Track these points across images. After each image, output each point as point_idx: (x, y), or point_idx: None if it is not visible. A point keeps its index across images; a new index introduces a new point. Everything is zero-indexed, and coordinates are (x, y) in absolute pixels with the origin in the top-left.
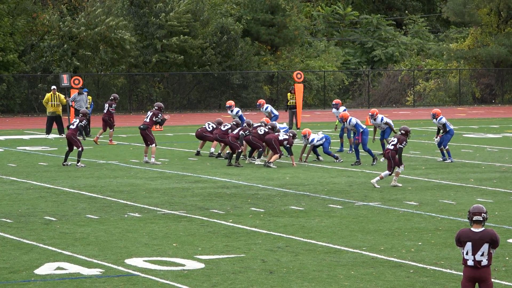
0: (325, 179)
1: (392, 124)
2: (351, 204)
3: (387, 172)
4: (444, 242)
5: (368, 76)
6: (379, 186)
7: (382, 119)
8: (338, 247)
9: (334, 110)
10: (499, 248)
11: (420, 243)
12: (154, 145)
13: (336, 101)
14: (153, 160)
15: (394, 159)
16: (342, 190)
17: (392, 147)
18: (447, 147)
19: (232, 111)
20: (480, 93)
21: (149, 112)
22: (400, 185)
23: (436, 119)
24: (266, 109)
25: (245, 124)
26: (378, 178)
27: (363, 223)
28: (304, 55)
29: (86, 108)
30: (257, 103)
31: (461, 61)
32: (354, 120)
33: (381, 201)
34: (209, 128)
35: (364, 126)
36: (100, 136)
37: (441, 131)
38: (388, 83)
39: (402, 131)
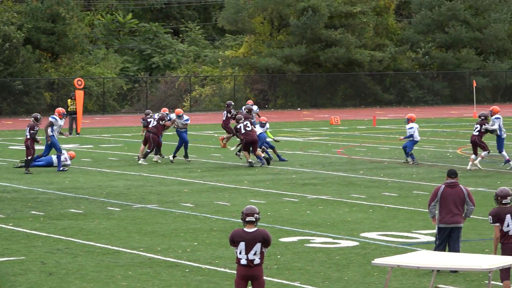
0: (104, 183)
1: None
2: (129, 207)
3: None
4: (219, 242)
5: (146, 83)
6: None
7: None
8: (117, 248)
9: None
10: (271, 247)
11: (195, 243)
12: None
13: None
14: None
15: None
16: (121, 193)
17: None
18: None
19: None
20: (254, 98)
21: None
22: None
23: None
24: (257, 109)
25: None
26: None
27: (140, 225)
28: (84, 62)
29: None
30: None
31: (236, 68)
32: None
33: (158, 203)
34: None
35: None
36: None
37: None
38: (165, 89)
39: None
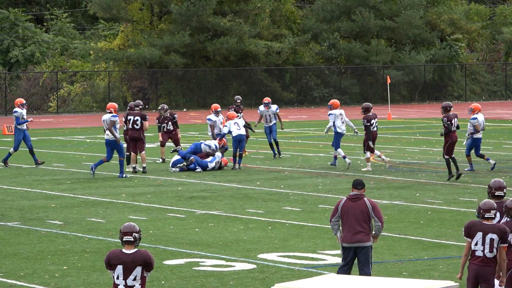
0: None
1: None
2: None
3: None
4: (93, 265)
5: (5, 80)
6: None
7: None
8: None
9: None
10: (154, 271)
11: (65, 267)
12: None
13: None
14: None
15: None
16: None
17: None
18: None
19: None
20: (132, 97)
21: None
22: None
23: None
24: (276, 109)
25: None
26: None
27: (0, 246)
28: None
29: None
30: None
31: (111, 62)
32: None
33: (20, 221)
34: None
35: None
36: None
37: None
38: (28, 87)
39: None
